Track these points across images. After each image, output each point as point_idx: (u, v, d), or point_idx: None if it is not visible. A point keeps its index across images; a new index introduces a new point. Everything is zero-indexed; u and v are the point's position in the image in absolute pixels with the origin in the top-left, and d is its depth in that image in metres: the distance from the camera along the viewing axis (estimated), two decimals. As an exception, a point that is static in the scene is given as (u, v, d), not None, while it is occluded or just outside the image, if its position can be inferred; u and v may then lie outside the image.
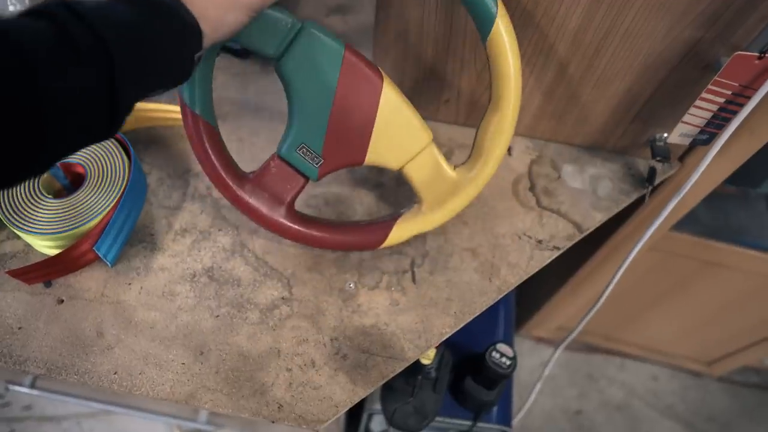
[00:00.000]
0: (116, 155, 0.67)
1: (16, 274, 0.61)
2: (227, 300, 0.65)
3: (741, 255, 1.00)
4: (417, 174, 0.62)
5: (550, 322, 1.43)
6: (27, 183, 0.65)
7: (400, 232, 0.64)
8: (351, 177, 0.75)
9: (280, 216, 0.62)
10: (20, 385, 0.91)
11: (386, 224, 0.64)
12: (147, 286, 0.65)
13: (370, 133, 0.59)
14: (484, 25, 0.55)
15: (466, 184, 0.62)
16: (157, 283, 0.65)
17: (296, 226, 0.63)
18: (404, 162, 0.61)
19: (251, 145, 0.76)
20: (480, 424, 0.93)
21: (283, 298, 0.65)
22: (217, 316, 0.64)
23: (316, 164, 0.60)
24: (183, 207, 0.71)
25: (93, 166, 0.66)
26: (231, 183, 0.61)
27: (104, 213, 0.63)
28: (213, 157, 0.60)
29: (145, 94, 0.42)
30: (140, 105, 0.73)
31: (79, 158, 0.66)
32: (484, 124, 0.61)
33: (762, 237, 0.99)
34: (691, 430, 1.53)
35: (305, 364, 0.61)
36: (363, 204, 0.73)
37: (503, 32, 0.55)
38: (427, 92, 0.74)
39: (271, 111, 0.79)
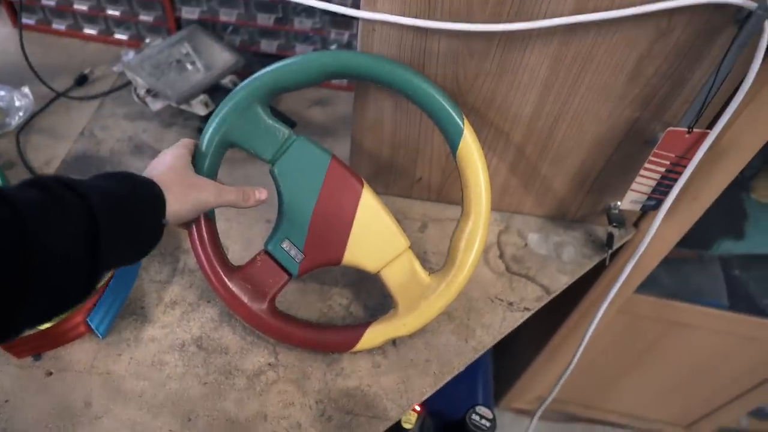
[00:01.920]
0: (112, 233, 0.71)
1: (5, 347, 0.63)
2: (215, 367, 0.67)
3: (703, 314, 1.06)
4: (393, 278, 0.66)
5: (529, 393, 1.45)
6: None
7: (374, 336, 0.66)
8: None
9: (260, 311, 0.65)
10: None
11: (360, 328, 0.67)
12: (137, 356, 0.68)
13: (348, 233, 0.65)
14: (452, 139, 0.64)
15: (441, 290, 0.65)
16: (146, 353, 0.68)
17: (275, 322, 0.66)
18: (381, 266, 0.65)
19: (238, 224, 0.81)
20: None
21: (269, 364, 0.68)
22: (206, 383, 0.66)
23: (298, 260, 0.65)
24: (173, 281, 0.74)
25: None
26: (221, 274, 0.65)
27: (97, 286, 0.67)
28: (208, 248, 0.65)
29: (121, 257, 0.48)
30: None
31: (77, 236, 0.70)
32: (457, 232, 0.66)
33: (720, 297, 1.06)
34: (678, 500, 1.51)
35: (291, 427, 0.64)
36: (346, 275, 0.77)
37: (471, 146, 0.63)
38: (401, 172, 0.81)
39: (256, 191, 0.85)
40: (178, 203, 0.54)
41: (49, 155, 0.87)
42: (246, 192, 0.62)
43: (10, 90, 0.89)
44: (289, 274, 0.66)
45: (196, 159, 0.64)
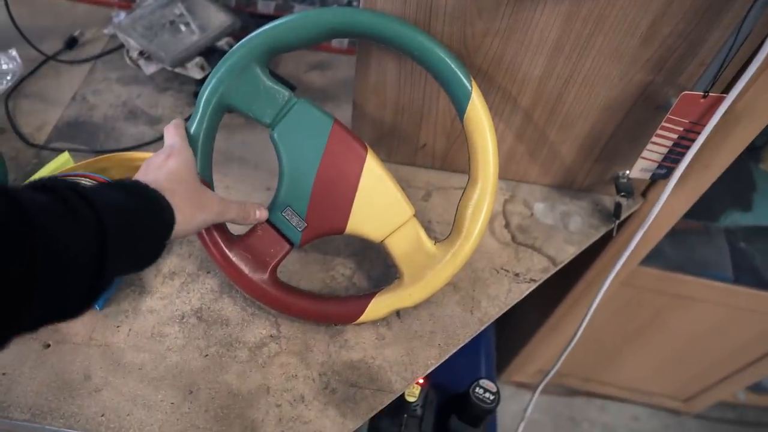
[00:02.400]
0: (106, 201, 0.69)
1: None
2: (216, 339, 0.66)
3: (706, 287, 1.05)
4: (398, 247, 0.64)
5: (530, 366, 1.45)
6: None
7: (378, 307, 0.65)
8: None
9: (261, 281, 0.64)
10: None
11: (364, 299, 0.65)
12: (136, 328, 0.66)
13: (352, 201, 0.62)
14: (459, 102, 0.61)
15: (447, 260, 0.63)
16: (145, 325, 0.66)
17: (276, 293, 0.64)
18: (385, 234, 0.63)
19: (237, 192, 0.78)
20: (467, 465, 0.93)
21: (271, 336, 0.67)
22: (206, 355, 0.65)
23: (300, 229, 0.63)
24: (172, 251, 0.72)
25: (83, 211, 0.68)
26: (220, 243, 0.63)
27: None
28: None
29: (121, 271, 0.46)
30: (128, 155, 0.76)
31: (70, 205, 0.68)
32: (463, 200, 0.64)
33: (725, 269, 1.05)
34: (674, 470, 1.53)
35: (294, 400, 0.62)
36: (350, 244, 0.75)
37: (480, 109, 0.60)
38: (404, 138, 0.79)
39: (255, 161, 0.82)
40: (184, 224, 0.52)
41: (41, 121, 0.84)
42: (247, 210, 0.61)
43: (-3, 53, 0.86)
44: (291, 244, 0.64)
45: (191, 124, 0.61)
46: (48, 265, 0.35)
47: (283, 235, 0.63)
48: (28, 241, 0.34)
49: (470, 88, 0.60)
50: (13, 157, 0.79)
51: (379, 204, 0.63)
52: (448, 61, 0.60)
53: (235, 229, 0.66)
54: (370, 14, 0.60)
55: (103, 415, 0.60)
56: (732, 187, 0.98)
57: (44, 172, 0.74)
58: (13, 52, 0.87)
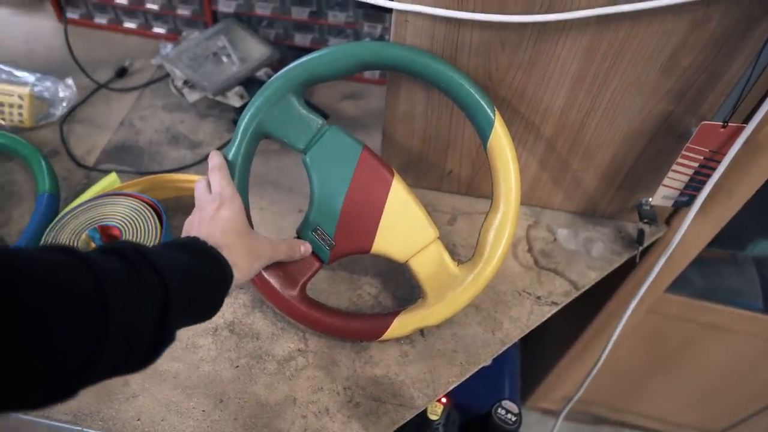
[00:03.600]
0: (149, 219, 0.73)
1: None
2: (246, 352, 0.69)
3: (737, 316, 1.04)
4: (421, 268, 0.67)
5: (556, 393, 1.44)
6: (67, 243, 0.71)
7: (402, 325, 0.67)
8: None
9: (291, 297, 0.67)
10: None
11: (388, 317, 0.67)
12: (172, 339, 0.70)
13: (378, 222, 0.66)
14: (483, 130, 0.64)
15: (469, 282, 0.66)
16: (181, 336, 0.70)
17: (305, 309, 0.67)
18: (409, 255, 0.66)
19: (271, 213, 0.83)
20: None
21: (299, 350, 0.70)
22: (237, 366, 0.68)
23: (328, 248, 0.66)
24: (207, 267, 0.76)
25: (128, 228, 0.73)
26: None
27: (137, 270, 0.69)
28: None
29: (184, 324, 0.48)
30: (170, 176, 0.81)
31: (116, 221, 0.73)
32: (486, 224, 0.66)
33: (755, 299, 1.03)
34: (707, 507, 1.48)
35: (320, 412, 0.65)
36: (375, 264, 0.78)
37: (502, 137, 0.64)
38: (431, 165, 0.82)
39: (289, 185, 0.86)
40: (241, 277, 0.55)
41: (90, 145, 0.90)
42: (293, 248, 0.65)
43: (56, 81, 0.93)
44: (321, 261, 0.67)
45: (230, 149, 0.66)
46: (116, 329, 0.37)
47: (313, 253, 0.67)
48: (101, 305, 0.36)
49: (493, 118, 0.63)
50: (65, 177, 0.85)
51: (404, 226, 0.66)
52: (473, 92, 0.63)
53: (265, 233, 0.69)
54: (399, 48, 0.63)
55: (138, 420, 0.63)
56: (760, 216, 0.98)
57: (93, 191, 0.79)
58: (70, 81, 0.94)
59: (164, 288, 0.42)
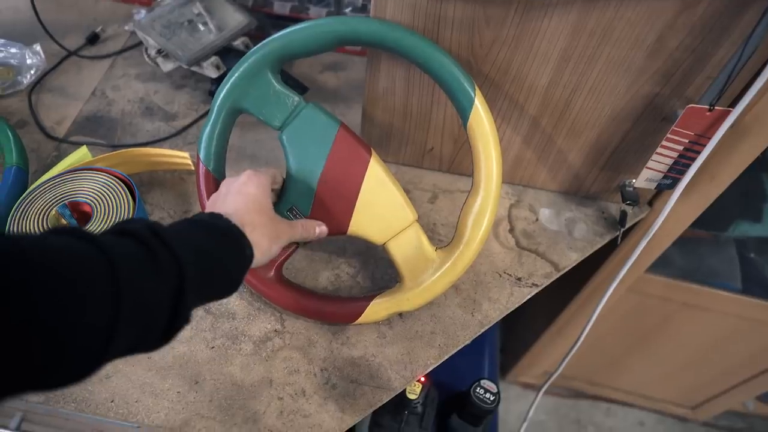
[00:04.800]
0: (121, 195, 0.71)
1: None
2: (222, 332, 0.68)
3: (715, 296, 1.05)
4: (399, 252, 0.65)
5: (536, 368, 1.46)
6: (36, 219, 0.69)
7: (377, 310, 0.66)
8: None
9: (266, 278, 0.66)
10: (6, 427, 0.92)
11: (363, 302, 0.66)
12: (146, 318, 0.68)
13: (354, 202, 0.64)
14: (463, 109, 0.62)
15: (447, 267, 0.64)
16: (155, 316, 0.69)
17: (280, 290, 0.66)
18: (387, 237, 0.65)
19: (248, 188, 0.80)
20: (467, 464, 0.94)
21: (275, 331, 0.69)
22: (213, 347, 0.67)
23: None
24: (182, 245, 0.75)
25: (99, 204, 0.70)
26: None
27: (108, 248, 0.67)
28: None
29: (200, 303, 0.47)
30: (143, 150, 0.79)
31: (87, 197, 0.71)
32: (465, 207, 0.65)
33: (734, 279, 1.04)
34: (679, 477, 1.53)
35: (296, 393, 0.64)
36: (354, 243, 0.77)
37: (483, 116, 0.61)
38: (412, 142, 0.80)
39: (266, 158, 0.84)
40: (261, 258, 0.53)
41: (61, 115, 0.87)
42: (308, 229, 0.63)
43: (22, 48, 0.89)
44: (296, 243, 0.65)
45: (205, 126, 0.64)
46: (129, 313, 0.37)
47: None
48: (113, 289, 0.36)
49: (473, 95, 0.61)
50: (34, 149, 0.82)
51: (381, 207, 0.64)
52: (451, 68, 0.61)
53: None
54: (374, 23, 0.61)
55: (112, 401, 0.62)
56: (742, 198, 0.98)
57: (63, 165, 0.76)
58: (37, 47, 0.90)
59: (179, 270, 0.41)
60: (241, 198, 0.55)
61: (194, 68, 0.85)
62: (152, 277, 0.39)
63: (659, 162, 0.71)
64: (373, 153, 0.64)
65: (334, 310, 0.67)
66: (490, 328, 0.72)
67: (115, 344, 0.36)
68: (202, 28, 0.86)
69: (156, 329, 0.41)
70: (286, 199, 0.65)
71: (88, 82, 0.92)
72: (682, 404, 1.53)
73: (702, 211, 0.82)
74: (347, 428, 0.63)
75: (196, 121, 0.87)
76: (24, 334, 0.31)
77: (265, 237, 0.54)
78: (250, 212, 0.54)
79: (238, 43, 0.88)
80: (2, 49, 0.87)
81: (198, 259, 0.44)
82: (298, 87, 0.87)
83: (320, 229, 0.64)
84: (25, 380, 0.33)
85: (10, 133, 0.78)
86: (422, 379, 0.84)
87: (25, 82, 0.88)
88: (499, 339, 1.14)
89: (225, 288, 0.50)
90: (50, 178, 0.73)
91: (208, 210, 0.55)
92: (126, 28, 0.98)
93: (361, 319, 0.66)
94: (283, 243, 0.58)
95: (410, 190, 0.82)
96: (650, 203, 0.83)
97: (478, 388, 0.84)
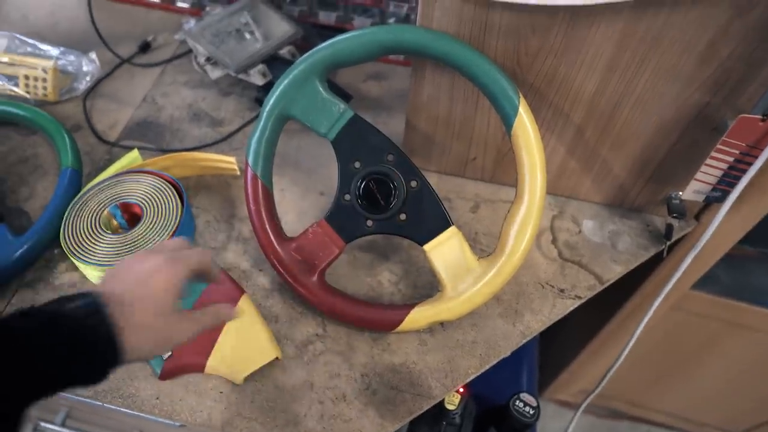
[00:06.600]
0: (170, 197, 0.73)
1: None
2: (264, 334, 0.69)
3: (763, 315, 1.01)
4: (440, 259, 0.65)
5: (574, 385, 1.43)
6: (90, 219, 0.71)
7: (417, 318, 0.65)
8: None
9: (309, 283, 0.67)
10: (51, 423, 0.94)
11: (404, 309, 0.66)
12: (190, 319, 0.70)
13: None
14: (507, 117, 0.62)
15: (489, 277, 0.63)
16: (199, 316, 0.70)
17: (322, 295, 0.67)
18: (429, 246, 0.65)
19: (292, 195, 0.82)
20: (503, 479, 0.92)
21: (317, 335, 0.69)
22: (254, 349, 0.68)
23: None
24: (227, 248, 0.76)
25: (149, 206, 0.72)
26: (275, 243, 0.67)
27: (157, 249, 0.69)
28: (264, 216, 0.67)
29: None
30: (191, 155, 0.81)
31: (138, 199, 0.73)
32: (509, 217, 0.64)
33: (783, 299, 1.01)
34: (722, 505, 1.47)
35: (337, 398, 0.64)
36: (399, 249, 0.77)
37: (527, 124, 0.61)
38: (455, 150, 0.80)
39: (309, 166, 0.85)
40: (132, 359, 0.46)
41: (113, 120, 0.90)
42: (216, 316, 0.54)
43: (79, 55, 0.93)
44: (343, 244, 0.66)
45: (254, 132, 0.66)
46: None
47: (336, 234, 0.66)
48: None
49: (517, 103, 0.61)
50: (87, 152, 0.85)
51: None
52: (495, 76, 0.61)
53: (289, 230, 0.69)
54: (419, 32, 0.62)
55: (157, 398, 0.64)
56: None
57: (115, 167, 0.79)
58: (93, 55, 0.93)
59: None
60: (139, 291, 0.47)
61: (241, 76, 0.87)
62: None
63: (708, 174, 0.69)
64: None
65: (375, 317, 0.67)
66: (528, 342, 0.71)
67: None
68: (249, 37, 0.89)
69: None
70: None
71: (139, 88, 0.95)
72: (727, 430, 1.47)
73: (753, 226, 0.80)
74: (386, 434, 0.63)
75: (242, 128, 0.89)
76: None
77: (150, 342, 0.47)
78: (142, 312, 0.46)
79: (284, 51, 0.90)
80: (61, 57, 0.91)
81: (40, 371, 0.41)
82: (343, 95, 0.88)
83: (226, 312, 0.55)
84: None
85: (66, 137, 0.82)
86: (461, 390, 0.83)
87: (81, 88, 0.91)
88: (537, 353, 1.12)
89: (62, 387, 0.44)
90: (102, 180, 0.75)
91: (107, 276, 0.50)
92: (176, 37, 1.01)
93: (400, 328, 0.66)
94: (177, 343, 0.49)
95: (452, 199, 0.82)
96: (697, 217, 0.81)
97: (518, 402, 0.83)
